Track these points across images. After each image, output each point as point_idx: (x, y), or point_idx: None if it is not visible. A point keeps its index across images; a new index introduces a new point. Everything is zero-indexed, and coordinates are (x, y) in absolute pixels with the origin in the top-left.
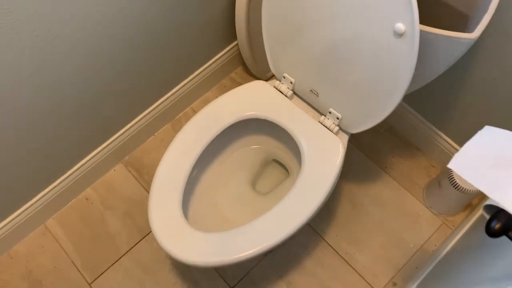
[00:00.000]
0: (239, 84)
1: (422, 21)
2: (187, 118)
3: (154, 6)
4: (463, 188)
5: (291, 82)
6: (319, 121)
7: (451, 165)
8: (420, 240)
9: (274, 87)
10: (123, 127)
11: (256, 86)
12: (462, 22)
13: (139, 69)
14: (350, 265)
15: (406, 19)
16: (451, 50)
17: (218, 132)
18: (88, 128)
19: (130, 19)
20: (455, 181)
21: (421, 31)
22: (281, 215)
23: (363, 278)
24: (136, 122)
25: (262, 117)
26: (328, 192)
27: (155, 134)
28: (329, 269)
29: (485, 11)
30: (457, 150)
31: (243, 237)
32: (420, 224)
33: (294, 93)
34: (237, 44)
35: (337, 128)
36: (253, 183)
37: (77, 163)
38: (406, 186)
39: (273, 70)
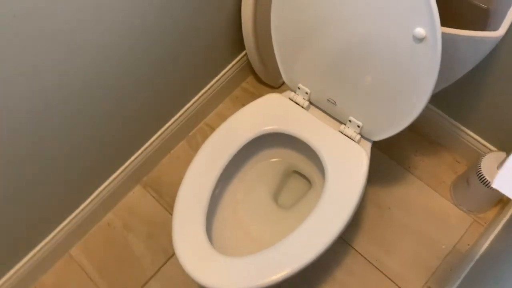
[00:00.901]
0: (252, 93)
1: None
2: (202, 133)
3: (163, 26)
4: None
5: (307, 93)
6: (339, 131)
7: (495, 184)
8: (452, 240)
9: (290, 98)
10: (138, 149)
11: (271, 99)
12: (481, 17)
13: (151, 90)
14: (381, 272)
15: (426, 23)
16: (475, 50)
17: (237, 149)
18: (104, 153)
19: (141, 38)
20: (484, 178)
21: (443, 33)
22: (309, 233)
23: (396, 285)
24: (151, 143)
25: (280, 131)
26: (356, 205)
27: (171, 152)
28: (360, 278)
29: (508, 5)
30: (480, 143)
31: (272, 261)
32: (450, 223)
33: (311, 103)
34: (245, 54)
35: (358, 136)
36: (275, 197)
37: (95, 190)
38: (432, 184)
39: (286, 81)
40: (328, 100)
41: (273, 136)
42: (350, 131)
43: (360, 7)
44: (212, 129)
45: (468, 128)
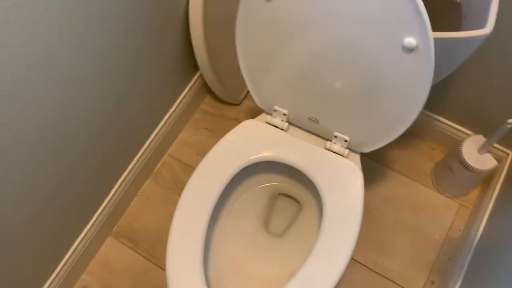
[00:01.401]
0: (212, 114)
1: None
2: (167, 167)
3: (113, 67)
4: (477, 169)
5: (285, 114)
6: (325, 148)
7: None
8: (443, 229)
9: (267, 122)
10: (104, 199)
11: (248, 127)
12: (455, 11)
13: (108, 137)
14: (383, 276)
15: (417, 31)
16: (464, 50)
17: (223, 187)
18: (68, 212)
19: (90, 89)
20: (468, 163)
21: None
22: (321, 263)
23: (400, 286)
24: (117, 190)
25: (263, 160)
26: (361, 222)
27: (138, 194)
28: (364, 287)
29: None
30: (454, 128)
31: None
32: (438, 212)
33: (291, 123)
34: (200, 75)
35: (347, 151)
36: (266, 225)
37: (65, 253)
38: (413, 176)
39: (261, 105)
40: (309, 118)
41: (256, 165)
42: (337, 147)
43: (340, 18)
44: (178, 160)
45: (441, 116)
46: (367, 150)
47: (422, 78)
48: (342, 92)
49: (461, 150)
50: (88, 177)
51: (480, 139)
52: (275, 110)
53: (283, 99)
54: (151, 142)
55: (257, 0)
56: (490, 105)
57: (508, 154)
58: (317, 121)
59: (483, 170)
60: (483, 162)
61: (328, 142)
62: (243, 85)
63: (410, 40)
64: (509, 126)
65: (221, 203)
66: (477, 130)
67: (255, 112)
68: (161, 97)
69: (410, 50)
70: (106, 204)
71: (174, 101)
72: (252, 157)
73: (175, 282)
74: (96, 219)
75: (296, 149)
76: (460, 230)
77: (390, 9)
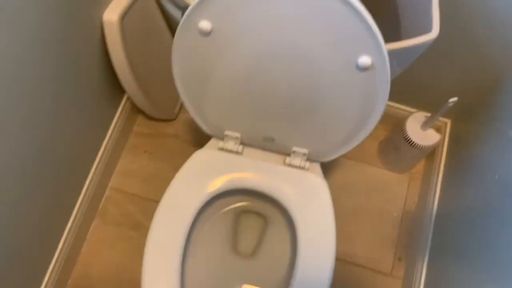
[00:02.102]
0: (149, 135)
1: None
2: (112, 201)
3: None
4: (423, 145)
5: (237, 137)
6: (285, 164)
7: None
8: (399, 205)
9: (219, 149)
10: (51, 258)
11: (199, 158)
12: (390, 7)
13: (44, 189)
14: (353, 264)
15: (371, 49)
16: (413, 54)
17: (188, 226)
18: (15, 276)
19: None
20: (413, 141)
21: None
22: (306, 282)
23: (371, 269)
24: (64, 243)
25: (222, 191)
26: (335, 228)
27: (87, 238)
28: (338, 279)
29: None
30: (393, 107)
31: None
32: (391, 189)
33: (245, 144)
34: (128, 98)
35: (308, 163)
36: (235, 247)
37: None
38: (362, 159)
39: (209, 132)
40: (264, 138)
41: (217, 196)
42: (297, 161)
43: (288, 37)
44: (122, 191)
45: None
46: (327, 160)
47: (378, 92)
48: (294, 109)
49: (405, 129)
50: (35, 232)
51: (421, 115)
52: (226, 135)
53: (232, 123)
54: (90, 181)
55: (193, 36)
56: (428, 84)
57: (446, 123)
58: (272, 140)
59: (429, 146)
60: (427, 137)
61: (288, 158)
62: (176, 98)
63: (365, 60)
64: (450, 105)
65: (188, 239)
66: (417, 106)
67: (194, 125)
68: (92, 132)
69: (365, 68)
70: (56, 260)
71: (106, 132)
72: (211, 191)
73: None
74: (50, 275)
75: (255, 172)
76: (415, 202)
77: (340, 27)
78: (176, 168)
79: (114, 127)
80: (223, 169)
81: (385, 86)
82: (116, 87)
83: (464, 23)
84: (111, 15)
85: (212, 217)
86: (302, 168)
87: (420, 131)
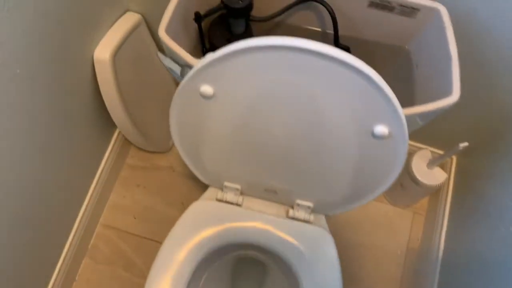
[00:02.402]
0: (142, 168)
1: None
2: (103, 239)
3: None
4: (429, 185)
5: (237, 189)
6: (288, 217)
7: None
8: (403, 242)
9: (218, 200)
10: None
11: (196, 210)
12: (403, 57)
13: (30, 228)
14: None
15: (389, 119)
16: (431, 115)
17: (186, 282)
18: None
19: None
20: (419, 180)
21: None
22: None
23: None
24: (53, 284)
25: (220, 246)
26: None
27: (76, 278)
28: None
29: (438, 46)
30: None
31: None
32: (394, 225)
33: (245, 194)
34: (119, 132)
35: (312, 217)
36: None
37: None
38: None
39: (207, 182)
40: (266, 190)
41: (217, 250)
42: (301, 214)
43: (298, 105)
44: (113, 228)
45: None
46: (333, 213)
47: (393, 159)
48: (298, 167)
49: (411, 167)
50: (18, 276)
51: (428, 153)
52: (225, 186)
53: (232, 176)
54: (81, 217)
55: (194, 98)
56: (437, 122)
57: (452, 159)
58: (275, 192)
59: (435, 185)
60: (434, 176)
61: (291, 210)
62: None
63: (381, 129)
64: (460, 149)
65: None
66: (423, 141)
67: None
68: (83, 165)
69: (381, 137)
70: None
71: (98, 165)
72: (209, 246)
73: None
74: None
75: (256, 225)
76: (418, 239)
77: (356, 97)
78: (170, 203)
79: (107, 160)
80: (222, 222)
81: (402, 154)
82: (108, 120)
83: (482, 78)
84: (103, 53)
85: (210, 267)
86: (306, 221)
87: (426, 169)
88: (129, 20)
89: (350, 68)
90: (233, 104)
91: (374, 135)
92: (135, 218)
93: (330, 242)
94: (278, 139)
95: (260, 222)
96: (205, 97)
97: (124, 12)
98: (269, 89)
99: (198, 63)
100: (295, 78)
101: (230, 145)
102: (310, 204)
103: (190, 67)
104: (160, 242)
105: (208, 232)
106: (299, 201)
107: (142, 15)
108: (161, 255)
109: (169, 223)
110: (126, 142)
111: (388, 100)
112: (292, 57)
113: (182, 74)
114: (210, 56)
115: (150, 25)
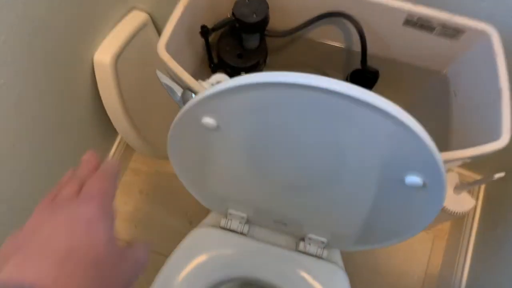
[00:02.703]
0: (145, 173)
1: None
2: None
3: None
4: (455, 211)
5: (243, 217)
6: (298, 250)
7: None
8: (421, 266)
9: (222, 227)
10: None
11: (197, 238)
12: (440, 83)
13: None
14: None
15: (425, 169)
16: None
17: None
18: None
19: None
20: (445, 207)
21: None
22: None
23: None
24: None
25: (222, 279)
26: None
27: None
28: None
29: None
30: None
31: None
32: (413, 247)
33: (252, 223)
34: (121, 139)
35: (326, 252)
36: None
37: None
38: None
39: (211, 208)
40: (275, 221)
41: (217, 284)
42: (313, 248)
43: (318, 142)
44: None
45: None
46: (349, 249)
47: (427, 206)
48: (314, 207)
49: None
50: None
51: (455, 177)
52: (230, 214)
53: (239, 205)
54: None
55: (195, 127)
56: None
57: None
58: (285, 224)
59: (461, 212)
60: (460, 203)
61: (302, 243)
62: None
63: (415, 179)
64: (494, 179)
65: None
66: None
67: None
68: None
69: (413, 188)
70: None
71: None
72: (209, 280)
73: None
74: None
75: (262, 258)
76: (438, 265)
77: (387, 145)
78: (173, 212)
79: None
80: (225, 254)
81: (437, 203)
82: (111, 124)
83: None
84: (104, 56)
85: None
86: (318, 256)
87: (453, 194)
88: (134, 19)
89: (384, 115)
90: (240, 138)
91: (405, 185)
92: (136, 227)
93: (344, 280)
94: (290, 176)
95: (267, 255)
96: (207, 128)
97: (130, 11)
98: (283, 126)
99: (200, 94)
100: (313, 118)
101: (238, 177)
102: (323, 239)
103: (193, 91)
104: (161, 254)
105: (208, 265)
106: (311, 235)
107: (149, 14)
108: (157, 284)
109: (172, 233)
110: (129, 146)
111: (426, 149)
112: (313, 97)
113: (184, 99)
114: (216, 88)
115: (157, 25)
